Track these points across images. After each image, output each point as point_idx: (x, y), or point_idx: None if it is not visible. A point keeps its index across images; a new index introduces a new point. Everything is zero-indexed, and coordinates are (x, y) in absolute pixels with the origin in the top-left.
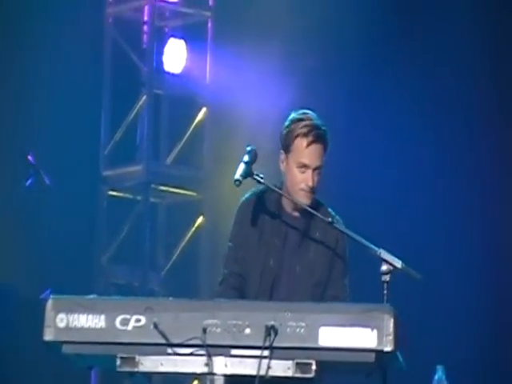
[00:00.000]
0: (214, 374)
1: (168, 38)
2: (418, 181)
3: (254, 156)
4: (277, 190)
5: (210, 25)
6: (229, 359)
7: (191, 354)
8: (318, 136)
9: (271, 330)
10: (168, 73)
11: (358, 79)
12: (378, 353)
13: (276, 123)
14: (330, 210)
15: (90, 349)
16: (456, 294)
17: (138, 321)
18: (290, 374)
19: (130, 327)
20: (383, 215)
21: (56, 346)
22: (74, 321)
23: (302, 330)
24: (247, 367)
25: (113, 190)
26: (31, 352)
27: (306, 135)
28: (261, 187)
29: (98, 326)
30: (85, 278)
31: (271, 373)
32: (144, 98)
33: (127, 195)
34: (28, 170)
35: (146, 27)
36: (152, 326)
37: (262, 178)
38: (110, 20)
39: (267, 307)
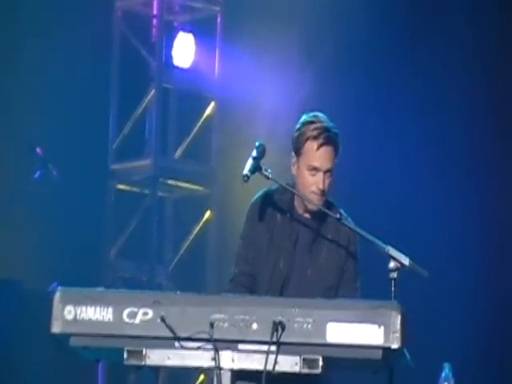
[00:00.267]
0: (220, 369)
1: (177, 33)
2: (425, 179)
3: (262, 151)
4: (290, 188)
5: (219, 19)
6: (236, 354)
7: (198, 348)
8: (328, 138)
9: (278, 326)
10: (177, 67)
11: (367, 79)
12: (385, 350)
13: (285, 118)
14: (341, 211)
15: (98, 341)
16: (463, 292)
17: (145, 314)
18: (296, 369)
19: (137, 320)
20: (390, 214)
21: (63, 338)
22: (82, 313)
23: (310, 326)
24: (254, 362)
25: (121, 183)
26: (38, 345)
27: (316, 138)
28: (273, 187)
29: (106, 319)
30: (92, 271)
31: (278, 368)
32: (153, 92)
33: (135, 189)
34: (36, 162)
35: (154, 21)
36: (159, 320)
37: (270, 173)
38: (119, 14)
39: (275, 303)
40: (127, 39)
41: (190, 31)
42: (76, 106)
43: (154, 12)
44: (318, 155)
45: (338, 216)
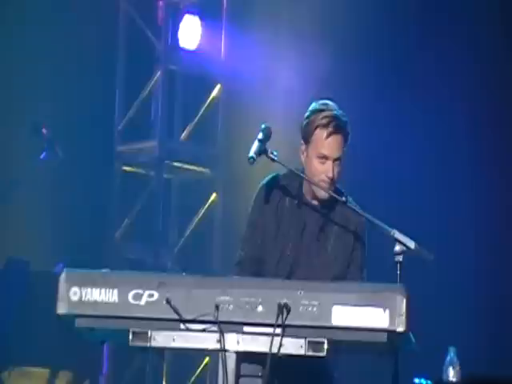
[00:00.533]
0: (226, 351)
1: (183, 15)
2: (430, 166)
3: (268, 134)
4: (299, 173)
5: (225, 1)
6: (241, 336)
7: (203, 331)
8: (338, 127)
9: (284, 308)
10: (183, 49)
11: (380, 60)
12: (391, 333)
13: (291, 101)
14: (350, 199)
15: (103, 323)
16: (469, 276)
17: (150, 296)
18: (302, 352)
19: (142, 302)
20: (396, 197)
21: (69, 319)
22: (87, 295)
23: (315, 309)
24: (259, 344)
25: (126, 165)
26: (44, 326)
27: (326, 126)
28: (281, 172)
29: (111, 300)
30: (98, 253)
31: (283, 351)
32: (158, 74)
33: (141, 171)
34: (42, 143)
35: (161, 3)
36: (165, 302)
37: (276, 156)
38: None
39: (280, 285)
40: (133, 21)
41: (195, 13)
42: (82, 88)
43: None
44: (327, 144)
45: (343, 199)
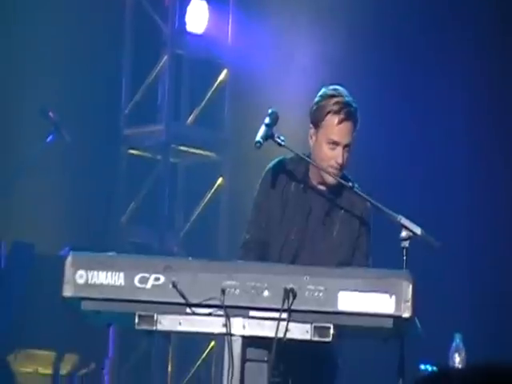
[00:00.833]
0: (231, 335)
1: None
2: (433, 154)
3: (275, 118)
4: (307, 158)
5: None
6: (247, 320)
7: (210, 315)
8: (349, 113)
9: (290, 293)
10: (190, 33)
11: (390, 46)
12: (396, 319)
13: (298, 86)
14: (356, 185)
15: (109, 306)
16: (475, 262)
17: (157, 279)
18: (307, 337)
19: (148, 285)
20: (402, 184)
21: (75, 302)
22: (94, 278)
23: (321, 294)
24: (265, 329)
25: (132, 148)
26: (50, 309)
27: (337, 112)
28: (287, 156)
29: (117, 284)
30: (104, 236)
31: (289, 335)
32: (165, 58)
33: (147, 155)
34: (49, 127)
35: None
36: (171, 285)
37: (282, 140)
38: None
39: (286, 270)
40: (140, 5)
41: None
42: (89, 71)
43: None
44: (338, 130)
45: (349, 184)
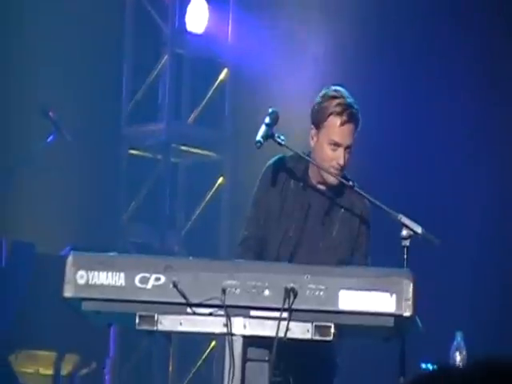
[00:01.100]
0: (232, 335)
1: None
2: (437, 151)
3: (275, 118)
4: (308, 158)
5: None
6: (248, 320)
7: (210, 314)
8: (351, 115)
9: (291, 292)
10: (190, 33)
11: (389, 46)
12: (397, 317)
13: (298, 86)
14: (356, 184)
15: (110, 306)
16: (476, 260)
17: (157, 279)
18: (308, 336)
19: (149, 286)
20: (402, 182)
21: (75, 302)
22: (94, 278)
23: (322, 293)
24: (266, 329)
25: (133, 148)
26: (51, 309)
27: (340, 114)
28: (288, 154)
29: (118, 284)
30: (104, 236)
31: (290, 335)
32: (166, 57)
33: (147, 154)
34: (49, 127)
35: None
36: (171, 285)
37: (283, 140)
38: None
39: (287, 269)
40: (141, 5)
41: None
42: (89, 71)
43: None
44: (340, 131)
45: (350, 183)
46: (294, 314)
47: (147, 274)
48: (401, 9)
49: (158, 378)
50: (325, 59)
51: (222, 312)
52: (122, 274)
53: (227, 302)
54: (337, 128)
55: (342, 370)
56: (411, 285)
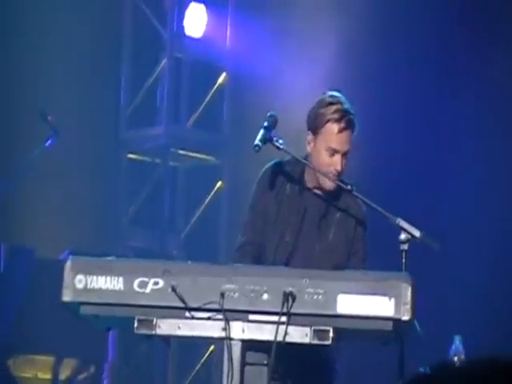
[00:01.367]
0: (231, 339)
1: (189, 2)
2: (439, 154)
3: (274, 122)
4: (305, 162)
5: None
6: (246, 324)
7: (209, 319)
8: (349, 122)
9: (289, 296)
10: (188, 37)
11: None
12: (396, 321)
13: (297, 89)
14: (354, 188)
15: (108, 310)
16: (474, 264)
17: (156, 283)
18: (307, 340)
19: (148, 290)
20: (400, 186)
21: (74, 306)
22: (93, 282)
23: (320, 297)
24: (264, 333)
25: (132, 152)
26: (49, 314)
27: (337, 121)
28: (285, 158)
29: (117, 288)
30: (103, 241)
31: (288, 339)
32: (164, 61)
33: (146, 158)
34: (48, 131)
35: None
36: (170, 289)
37: (281, 144)
38: None
39: (285, 273)
40: (139, 9)
41: (201, 1)
42: (89, 75)
43: None
44: (338, 138)
45: (348, 187)
46: (293, 318)
47: (146, 279)
48: (410, 8)
49: (157, 382)
50: (324, 64)
51: (220, 316)
52: (121, 279)
53: (226, 306)
54: (334, 135)
55: (341, 375)
56: (410, 289)
